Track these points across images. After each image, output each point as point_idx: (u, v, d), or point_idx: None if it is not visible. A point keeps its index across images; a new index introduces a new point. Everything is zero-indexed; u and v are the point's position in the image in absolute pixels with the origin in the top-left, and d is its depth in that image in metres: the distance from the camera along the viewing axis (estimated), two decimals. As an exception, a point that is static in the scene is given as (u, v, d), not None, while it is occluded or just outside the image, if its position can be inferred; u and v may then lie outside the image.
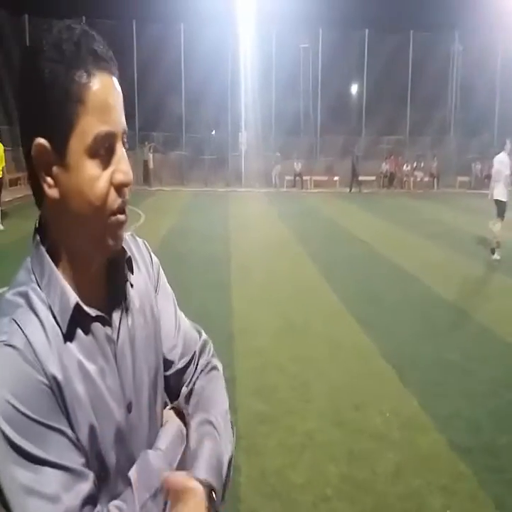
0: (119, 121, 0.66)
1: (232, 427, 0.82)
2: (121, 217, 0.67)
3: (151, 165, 19.78)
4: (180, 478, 0.68)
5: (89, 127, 0.63)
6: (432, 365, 3.82)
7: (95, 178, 0.64)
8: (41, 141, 0.63)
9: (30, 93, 0.63)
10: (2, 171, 9.83)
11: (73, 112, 0.62)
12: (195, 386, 0.82)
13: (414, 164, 20.81)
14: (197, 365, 0.84)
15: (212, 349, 0.88)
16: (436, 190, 20.04)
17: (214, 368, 0.86)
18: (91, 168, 0.64)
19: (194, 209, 13.54)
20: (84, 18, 19.70)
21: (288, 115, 21.71)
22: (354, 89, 25.92)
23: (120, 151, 0.66)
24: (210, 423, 0.77)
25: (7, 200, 14.12)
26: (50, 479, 0.61)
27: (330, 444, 2.80)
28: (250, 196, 17.30)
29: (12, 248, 7.20)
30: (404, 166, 20.71)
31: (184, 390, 0.81)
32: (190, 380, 0.82)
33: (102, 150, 0.64)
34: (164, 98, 20.88)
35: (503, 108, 22.09)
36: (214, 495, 0.69)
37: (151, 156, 19.81)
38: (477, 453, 2.71)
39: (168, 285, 0.86)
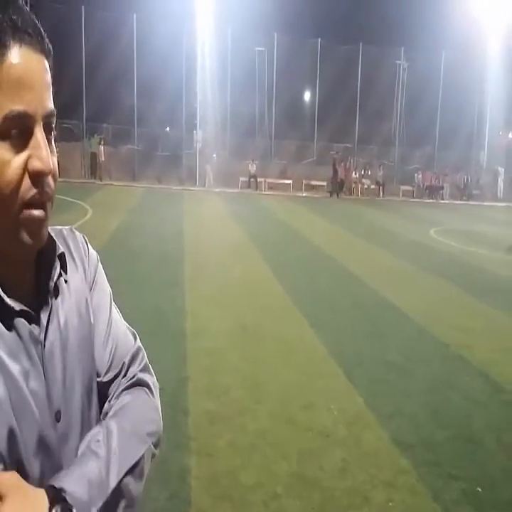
0: (38, 101, 0.58)
1: (142, 447, 0.69)
2: (36, 212, 0.59)
3: (102, 158, 19.01)
4: (10, 474, 0.58)
5: None
6: (376, 364, 4.01)
7: (4, 163, 0.57)
8: None
9: None
10: None
11: None
12: (116, 402, 0.73)
13: (362, 172, 21.76)
14: (124, 377, 0.75)
15: (144, 359, 0.79)
16: (381, 198, 21.08)
17: (140, 383, 0.76)
18: (0, 151, 0.57)
19: (146, 206, 13.19)
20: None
21: (243, 116, 21.85)
22: (307, 95, 26.62)
23: (39, 135, 0.59)
24: (98, 441, 0.66)
25: None
26: None
27: (280, 443, 2.84)
28: (204, 195, 17.17)
29: None
30: (353, 173, 21.57)
31: (106, 406, 0.73)
32: (113, 395, 0.74)
33: (14, 132, 0.57)
34: (115, 89, 20.16)
35: (444, 122, 23.74)
36: (72, 509, 0.58)
37: (102, 148, 19.03)
38: (417, 448, 2.87)
39: (106, 283, 0.80)
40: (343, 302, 5.72)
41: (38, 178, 0.59)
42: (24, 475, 0.61)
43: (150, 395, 0.76)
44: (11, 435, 0.60)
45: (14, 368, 0.62)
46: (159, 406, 0.77)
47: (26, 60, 0.57)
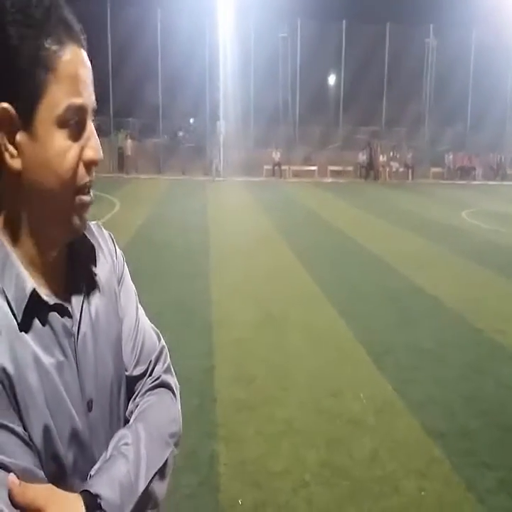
0: (90, 96, 0.63)
1: (167, 451, 0.72)
2: (86, 197, 0.65)
3: (128, 152, 19.32)
4: (46, 487, 0.60)
5: (60, 97, 0.60)
6: (407, 351, 3.91)
7: (65, 150, 0.61)
8: (5, 105, 0.59)
9: None
10: None
11: (43, 79, 0.59)
12: (140, 402, 0.75)
13: (390, 154, 21.12)
14: (150, 376, 0.77)
15: (168, 359, 0.82)
16: (411, 181, 20.44)
17: (163, 385, 0.78)
18: (61, 140, 0.61)
19: (171, 198, 13.33)
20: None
21: (267, 104, 21.60)
22: (332, 79, 25.98)
23: (90, 126, 0.64)
24: (127, 444, 0.68)
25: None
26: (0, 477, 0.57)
27: (308, 431, 2.83)
28: (228, 185, 17.18)
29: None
30: (381, 157, 20.99)
31: (131, 405, 0.75)
32: (138, 393, 0.76)
33: (73, 123, 0.61)
34: (140, 84, 20.38)
35: (476, 101, 22.66)
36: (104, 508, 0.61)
37: (129, 142, 19.34)
38: (450, 437, 2.79)
39: (131, 282, 0.82)
40: (372, 289, 5.60)
41: (90, 166, 0.64)
42: (60, 466, 0.64)
43: (173, 396, 0.78)
44: (46, 431, 0.62)
45: (48, 361, 0.63)
46: (180, 407, 0.79)
47: (78, 57, 0.62)
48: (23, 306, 0.61)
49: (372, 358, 3.77)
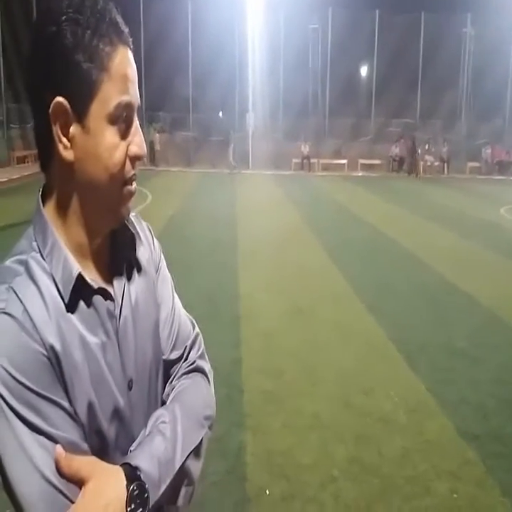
0: (136, 94, 0.67)
1: (201, 432, 0.74)
2: (132, 188, 0.69)
3: (157, 146, 19.61)
4: (89, 459, 0.63)
5: (111, 95, 0.63)
6: (441, 351, 3.81)
7: (114, 146, 0.65)
8: (61, 100, 0.62)
9: (52, 53, 0.62)
10: None
11: (97, 76, 0.62)
12: (176, 385, 0.78)
13: (425, 148, 20.46)
14: (185, 361, 0.80)
15: (202, 345, 0.84)
16: (446, 175, 19.76)
17: (198, 369, 0.81)
18: (111, 135, 0.64)
19: (201, 190, 13.45)
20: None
21: (296, 96, 21.32)
22: (364, 70, 25.34)
23: (136, 123, 0.67)
24: (164, 422, 0.71)
25: (15, 177, 14.11)
26: (47, 447, 0.60)
27: (337, 427, 2.81)
28: (257, 178, 17.15)
29: (19, 227, 7.20)
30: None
31: (167, 388, 0.78)
32: (174, 376, 0.79)
33: (121, 120, 0.65)
34: (171, 78, 20.58)
35: (516, 93, 21.56)
36: (146, 486, 0.63)
37: (157, 136, 19.62)
38: (485, 439, 2.71)
39: (167, 271, 0.85)
40: (405, 286, 5.47)
41: (135, 160, 0.67)
42: (102, 441, 0.67)
43: (207, 381, 0.81)
44: (90, 407, 0.65)
45: (92, 341, 0.66)
46: (213, 392, 0.82)
47: (127, 57, 0.66)
48: (70, 289, 0.64)
49: (404, 356, 3.69)
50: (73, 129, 0.63)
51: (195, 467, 0.72)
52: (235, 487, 2.32)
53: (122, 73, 0.64)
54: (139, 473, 0.63)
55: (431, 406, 3.03)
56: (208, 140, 20.88)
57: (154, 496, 0.64)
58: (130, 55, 0.66)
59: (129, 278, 0.73)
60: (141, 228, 0.81)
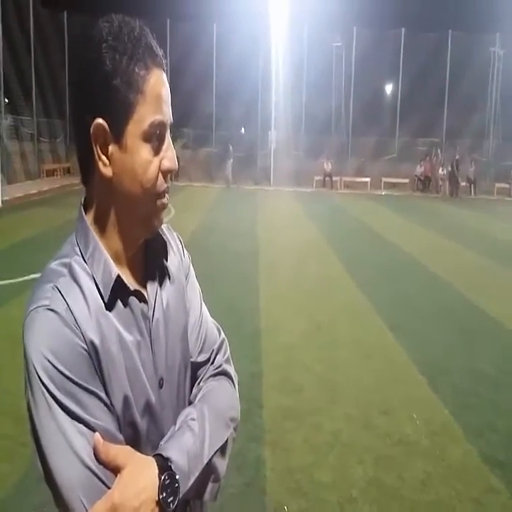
0: (168, 113, 0.71)
1: (227, 431, 0.78)
2: (165, 200, 0.73)
3: (180, 162, 20.04)
4: (125, 448, 0.66)
5: (145, 115, 0.68)
6: (464, 374, 3.71)
7: (148, 162, 0.69)
8: (101, 121, 0.68)
9: (92, 78, 0.67)
10: None
11: (133, 99, 0.67)
12: (203, 386, 0.81)
13: (449, 168, 20.20)
14: (212, 364, 0.84)
15: (228, 351, 0.87)
16: (473, 196, 19.40)
17: (224, 373, 0.84)
18: (145, 152, 0.69)
19: (222, 206, 13.64)
20: (121, 16, 20.10)
21: (319, 114, 21.53)
22: (388, 88, 25.42)
23: (168, 140, 0.72)
24: (193, 419, 0.74)
25: (45, 189, 14.67)
26: (85, 434, 0.63)
27: (357, 446, 2.77)
28: (279, 195, 17.27)
29: (49, 236, 7.46)
30: (440, 170, 20.13)
31: (195, 389, 0.81)
32: (201, 378, 0.82)
33: (154, 137, 0.69)
34: (196, 96, 21.12)
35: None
36: (176, 476, 0.66)
37: (178, 152, 20.12)
38: (509, 466, 2.61)
39: (196, 279, 0.89)
40: (427, 306, 5.38)
41: (167, 174, 0.72)
42: (135, 433, 0.71)
43: (232, 385, 0.85)
44: (126, 400, 0.69)
45: (128, 338, 0.71)
46: (238, 395, 0.85)
47: (161, 79, 0.70)
48: (109, 289, 0.69)
49: (427, 378, 3.61)
50: (112, 148, 0.68)
51: (221, 465, 0.75)
52: (253, 501, 2.32)
53: (156, 94, 0.69)
54: (170, 464, 0.66)
55: (454, 430, 2.95)
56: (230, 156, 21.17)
57: (184, 486, 0.67)
58: (164, 76, 0.71)
59: (161, 283, 0.78)
60: (172, 237, 0.86)
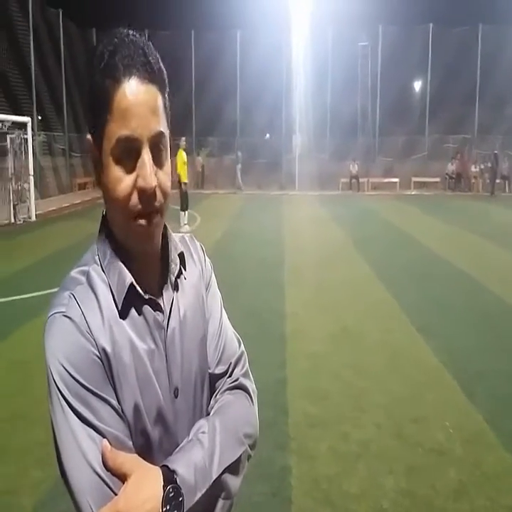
0: (144, 126, 0.67)
1: (241, 448, 0.75)
2: (142, 221, 0.69)
3: (199, 168, 20.37)
4: (132, 456, 0.66)
5: (112, 131, 0.67)
6: (500, 378, 3.53)
7: (118, 180, 0.68)
8: (88, 137, 0.72)
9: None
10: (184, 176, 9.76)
11: (104, 116, 0.68)
12: (219, 399, 0.79)
13: (482, 165, 19.47)
14: (230, 377, 0.82)
15: (246, 364, 0.85)
16: (507, 193, 18.62)
17: (241, 387, 0.81)
18: (115, 170, 0.68)
19: (248, 212, 13.70)
20: (146, 30, 20.77)
21: (344, 115, 21.27)
22: (417, 86, 24.81)
23: (146, 156, 0.67)
24: (204, 432, 0.72)
25: (77, 202, 15.24)
26: (94, 439, 0.65)
27: (387, 456, 2.68)
28: (304, 199, 17.18)
29: (80, 247, 7.71)
30: (473, 167, 19.45)
31: (212, 402, 0.79)
32: (218, 391, 0.80)
33: (125, 154, 0.67)
34: (220, 104, 21.40)
35: None
36: (181, 490, 0.65)
37: (200, 160, 20.39)
38: (552, 478, 2.46)
39: (217, 289, 0.88)
40: (460, 308, 5.17)
41: (143, 194, 0.68)
42: (147, 442, 0.71)
43: (249, 400, 0.81)
44: (136, 408, 0.69)
45: (141, 346, 0.71)
46: (257, 412, 0.82)
47: (134, 92, 0.66)
48: (123, 297, 0.70)
49: (460, 383, 3.46)
50: (98, 164, 0.71)
51: (234, 482, 0.72)
52: (279, 509, 2.28)
53: (123, 108, 0.66)
54: (175, 477, 0.66)
55: (489, 437, 2.81)
56: (255, 162, 21.28)
57: (189, 501, 0.65)
58: (139, 87, 0.66)
59: (179, 293, 0.77)
60: (194, 247, 0.86)
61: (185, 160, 9.77)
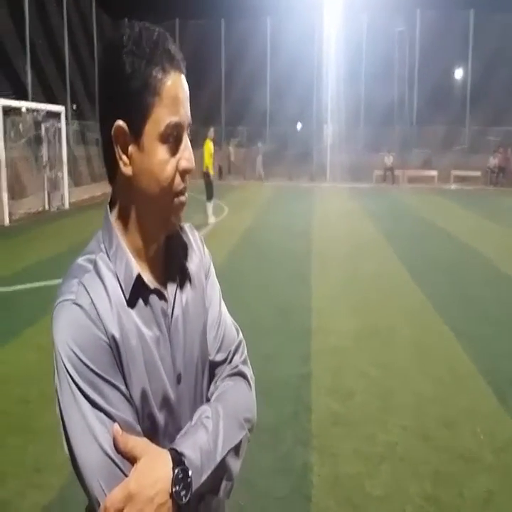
0: (186, 114, 0.73)
1: (241, 432, 0.78)
2: (183, 198, 0.75)
3: (232, 158, 20.30)
4: (142, 440, 0.69)
5: (162, 117, 0.70)
6: (539, 386, 3.34)
7: (165, 162, 0.72)
8: (121, 123, 0.71)
9: (113, 81, 0.71)
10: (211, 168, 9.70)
11: (150, 102, 0.70)
12: (220, 385, 0.82)
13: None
14: (229, 364, 0.85)
15: (245, 351, 0.88)
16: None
17: (241, 374, 0.85)
18: (162, 153, 0.71)
19: (276, 203, 13.59)
20: (177, 20, 20.75)
21: (379, 105, 20.58)
22: (457, 74, 23.69)
23: (185, 140, 0.74)
24: (208, 417, 0.76)
25: (108, 191, 15.59)
26: (105, 423, 0.66)
27: (413, 460, 2.59)
28: (335, 191, 16.87)
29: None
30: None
31: (212, 387, 0.83)
32: (218, 377, 0.83)
33: (171, 138, 0.72)
34: (250, 93, 21.23)
35: None
36: (189, 471, 0.68)
37: (231, 150, 20.31)
38: None
39: (216, 279, 0.90)
40: (497, 310, 4.93)
41: (184, 174, 0.74)
42: (153, 426, 0.74)
43: (248, 386, 0.85)
44: (144, 393, 0.72)
45: (148, 334, 0.73)
46: (255, 398, 0.86)
47: (177, 81, 0.72)
48: (130, 287, 0.72)
49: (494, 389, 3.30)
50: (131, 148, 0.71)
51: (235, 464, 0.76)
52: (298, 506, 2.26)
53: (172, 96, 0.71)
54: (183, 459, 0.69)
55: (525, 448, 2.66)
56: (285, 153, 21.01)
57: (196, 482, 0.69)
58: (182, 78, 0.73)
59: (181, 282, 0.80)
60: (194, 236, 0.88)
61: (212, 151, 9.51)
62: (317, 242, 8.27)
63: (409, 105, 21.39)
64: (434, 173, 19.19)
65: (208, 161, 9.53)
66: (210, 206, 9.78)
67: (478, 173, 18.88)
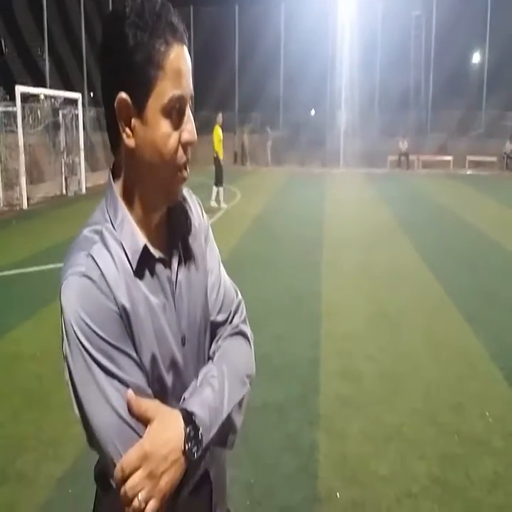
0: (188, 86, 0.73)
1: (244, 388, 0.82)
2: (185, 173, 0.76)
3: (246, 145, 20.17)
4: (154, 402, 0.72)
5: (165, 90, 0.71)
6: (551, 372, 3.32)
7: (167, 135, 0.72)
8: (124, 95, 0.71)
9: (115, 54, 0.71)
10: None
11: (153, 74, 0.70)
12: (222, 345, 0.85)
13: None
14: (230, 324, 0.87)
15: (244, 311, 0.91)
16: None
17: (242, 333, 0.88)
18: (165, 126, 0.72)
19: (288, 189, 13.51)
20: (191, 6, 20.44)
21: (394, 90, 20.10)
22: (474, 58, 22.98)
23: (188, 112, 0.74)
24: (213, 376, 0.79)
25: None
26: (119, 390, 0.69)
27: (420, 442, 2.61)
28: (349, 177, 16.66)
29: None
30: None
31: (214, 345, 0.86)
32: (220, 336, 0.86)
33: (174, 111, 0.72)
34: (263, 79, 20.92)
35: None
36: (199, 429, 0.71)
37: (245, 136, 20.17)
38: None
39: (214, 243, 0.91)
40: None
41: (187, 147, 0.74)
42: (162, 388, 0.77)
43: (248, 344, 0.89)
44: (153, 358, 0.75)
45: (155, 301, 0.76)
46: (253, 354, 0.89)
47: (180, 53, 0.72)
48: (137, 257, 0.74)
49: (506, 374, 3.29)
50: (134, 121, 0.72)
51: (238, 418, 0.80)
52: (305, 483, 2.31)
53: (175, 69, 0.71)
54: (194, 417, 0.72)
55: (534, 433, 2.66)
56: (298, 139, 20.76)
57: (206, 438, 0.72)
58: (185, 51, 0.73)
59: (184, 248, 0.82)
60: (192, 201, 0.89)
61: (221, 137, 9.46)
62: (329, 227, 8.22)
63: (425, 90, 20.87)
64: (449, 158, 18.78)
65: (218, 147, 9.52)
66: (220, 191, 9.73)
67: (494, 159, 18.42)
